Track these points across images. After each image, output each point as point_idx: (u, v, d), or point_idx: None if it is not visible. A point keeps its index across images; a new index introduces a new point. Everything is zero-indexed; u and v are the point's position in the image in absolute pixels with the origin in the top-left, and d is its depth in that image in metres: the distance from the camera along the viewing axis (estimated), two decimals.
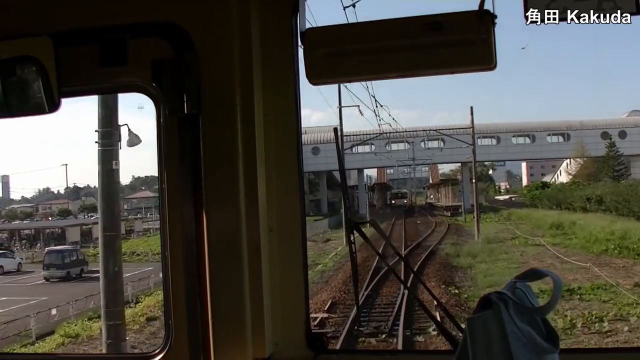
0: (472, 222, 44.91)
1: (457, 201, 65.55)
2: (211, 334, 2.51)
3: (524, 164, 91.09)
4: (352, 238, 2.64)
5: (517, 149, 66.51)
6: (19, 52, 2.51)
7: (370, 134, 53.20)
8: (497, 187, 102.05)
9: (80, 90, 2.77)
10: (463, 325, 2.04)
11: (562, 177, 72.07)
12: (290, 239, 2.65)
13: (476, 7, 2.38)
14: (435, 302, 13.72)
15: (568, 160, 71.04)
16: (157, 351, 2.62)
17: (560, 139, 65.34)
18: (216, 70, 2.52)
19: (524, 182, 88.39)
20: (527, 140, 65.79)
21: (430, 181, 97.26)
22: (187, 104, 2.47)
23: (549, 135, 65.10)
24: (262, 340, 2.55)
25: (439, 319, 2.60)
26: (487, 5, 2.38)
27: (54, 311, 23.93)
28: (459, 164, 68.24)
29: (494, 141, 66.10)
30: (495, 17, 2.34)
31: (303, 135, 2.71)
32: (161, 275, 2.65)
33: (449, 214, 59.54)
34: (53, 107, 2.54)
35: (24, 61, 2.53)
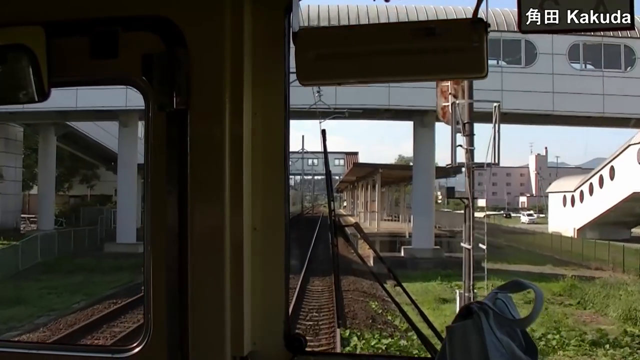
0: None
1: (393, 217, 35.24)
2: (190, 330, 2.50)
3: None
4: (334, 240, 2.67)
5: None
6: (10, 41, 2.50)
7: None
8: None
9: (70, 81, 2.77)
10: (443, 334, 2.02)
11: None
12: (273, 238, 2.64)
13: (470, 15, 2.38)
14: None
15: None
16: (134, 344, 2.60)
17: None
18: (207, 66, 2.52)
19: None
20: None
21: (343, 177, 57.93)
22: (176, 99, 2.47)
23: None
24: (240, 339, 2.54)
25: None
26: (482, 14, 2.38)
27: None
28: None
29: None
30: (489, 25, 2.35)
31: None
32: (142, 269, 2.64)
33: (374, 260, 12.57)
34: (42, 96, 2.53)
35: (15, 49, 2.51)
